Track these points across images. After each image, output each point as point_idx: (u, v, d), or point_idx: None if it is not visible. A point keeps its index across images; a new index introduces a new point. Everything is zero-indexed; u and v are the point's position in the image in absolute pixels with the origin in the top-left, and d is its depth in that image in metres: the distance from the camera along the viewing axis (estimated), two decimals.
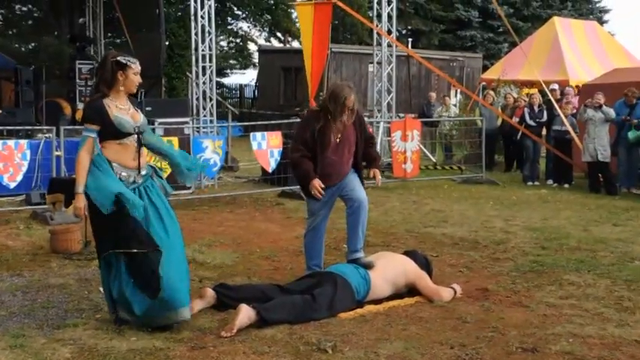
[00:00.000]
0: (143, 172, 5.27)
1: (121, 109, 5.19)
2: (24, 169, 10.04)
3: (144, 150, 5.36)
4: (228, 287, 5.75)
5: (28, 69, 16.08)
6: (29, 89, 15.45)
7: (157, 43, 17.57)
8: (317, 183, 6.14)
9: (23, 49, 24.83)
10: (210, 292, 5.57)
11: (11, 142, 10.09)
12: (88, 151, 5.09)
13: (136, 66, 5.24)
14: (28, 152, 10.11)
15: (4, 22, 25.17)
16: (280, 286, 5.79)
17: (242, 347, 4.76)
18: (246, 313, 5.08)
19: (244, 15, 34.27)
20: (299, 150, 6.21)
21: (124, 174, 5.17)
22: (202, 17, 13.34)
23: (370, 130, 6.83)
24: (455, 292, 6.01)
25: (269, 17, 33.83)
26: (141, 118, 5.33)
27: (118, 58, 5.19)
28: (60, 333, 5.02)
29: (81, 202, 5.11)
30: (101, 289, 6.13)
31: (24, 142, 10.27)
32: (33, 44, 24.82)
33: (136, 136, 5.25)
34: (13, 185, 10.00)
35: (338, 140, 6.22)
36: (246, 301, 5.27)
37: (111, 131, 5.13)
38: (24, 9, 25.17)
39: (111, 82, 5.18)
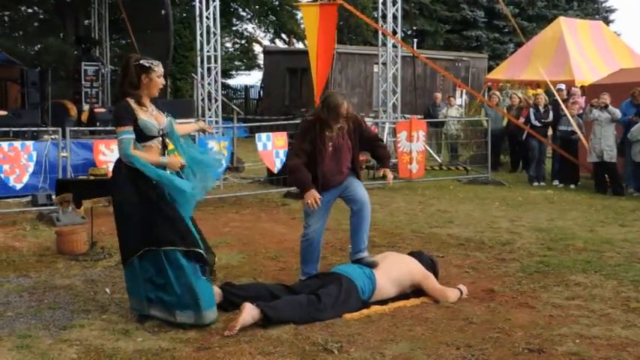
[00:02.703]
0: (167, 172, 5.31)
1: (146, 112, 5.24)
2: (30, 170, 10.06)
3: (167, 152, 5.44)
4: (235, 286, 5.76)
5: (33, 71, 16.14)
6: (35, 91, 15.49)
7: (162, 44, 17.59)
8: (314, 194, 6.16)
9: (29, 50, 24.87)
10: (217, 291, 5.55)
11: (17, 144, 10.11)
12: (135, 147, 5.14)
13: (159, 68, 5.29)
14: (34, 154, 10.13)
15: (10, 24, 25.21)
16: (287, 286, 5.79)
17: (248, 348, 4.76)
18: (249, 312, 5.08)
19: (249, 16, 34.31)
20: (299, 157, 6.25)
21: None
22: (207, 18, 13.34)
23: (374, 129, 6.82)
24: (461, 293, 6.00)
25: (274, 18, 33.85)
26: (164, 120, 5.36)
27: (141, 62, 5.23)
28: (66, 334, 5.03)
29: (176, 159, 5.32)
30: (107, 289, 6.16)
31: (30, 143, 10.30)
32: (39, 46, 24.87)
33: (160, 138, 5.32)
34: (19, 186, 10.02)
35: (335, 147, 6.26)
36: (253, 299, 5.27)
37: (136, 134, 5.18)
38: (29, 11, 25.21)
39: (136, 85, 5.23)
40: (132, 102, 5.21)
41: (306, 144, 6.24)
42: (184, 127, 5.79)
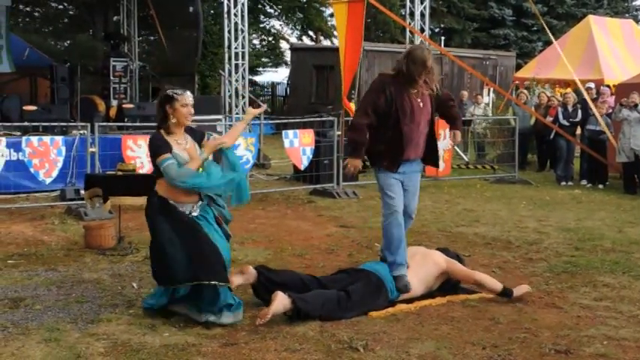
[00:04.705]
0: (199, 204, 5.31)
1: (179, 145, 5.23)
2: (59, 165, 10.14)
3: None
4: (270, 269, 5.76)
5: (63, 66, 16.27)
6: (64, 86, 15.64)
7: (190, 41, 17.67)
8: (358, 164, 5.81)
9: (59, 46, 25.11)
10: (251, 271, 5.55)
11: (47, 139, 10.21)
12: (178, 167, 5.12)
13: (182, 97, 5.19)
14: (63, 148, 10.22)
15: (41, 20, 25.49)
16: (318, 279, 5.78)
17: (273, 344, 4.78)
18: (281, 301, 5.13)
19: (277, 13, 34.35)
20: (367, 116, 5.65)
21: (180, 209, 5.23)
22: (235, 15, 13.38)
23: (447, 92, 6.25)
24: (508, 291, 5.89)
25: (301, 16, 33.87)
26: (197, 151, 5.30)
27: (167, 92, 5.22)
28: (94, 328, 5.09)
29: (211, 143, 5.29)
30: (134, 284, 6.20)
31: (59, 138, 10.38)
32: (68, 42, 25.08)
33: None
34: (48, 181, 10.11)
35: (416, 107, 5.72)
36: (286, 286, 5.33)
37: None
38: (59, 7, 25.46)
39: (163, 117, 5.23)
40: (163, 133, 5.22)
41: (382, 99, 5.64)
42: (232, 133, 5.62)
